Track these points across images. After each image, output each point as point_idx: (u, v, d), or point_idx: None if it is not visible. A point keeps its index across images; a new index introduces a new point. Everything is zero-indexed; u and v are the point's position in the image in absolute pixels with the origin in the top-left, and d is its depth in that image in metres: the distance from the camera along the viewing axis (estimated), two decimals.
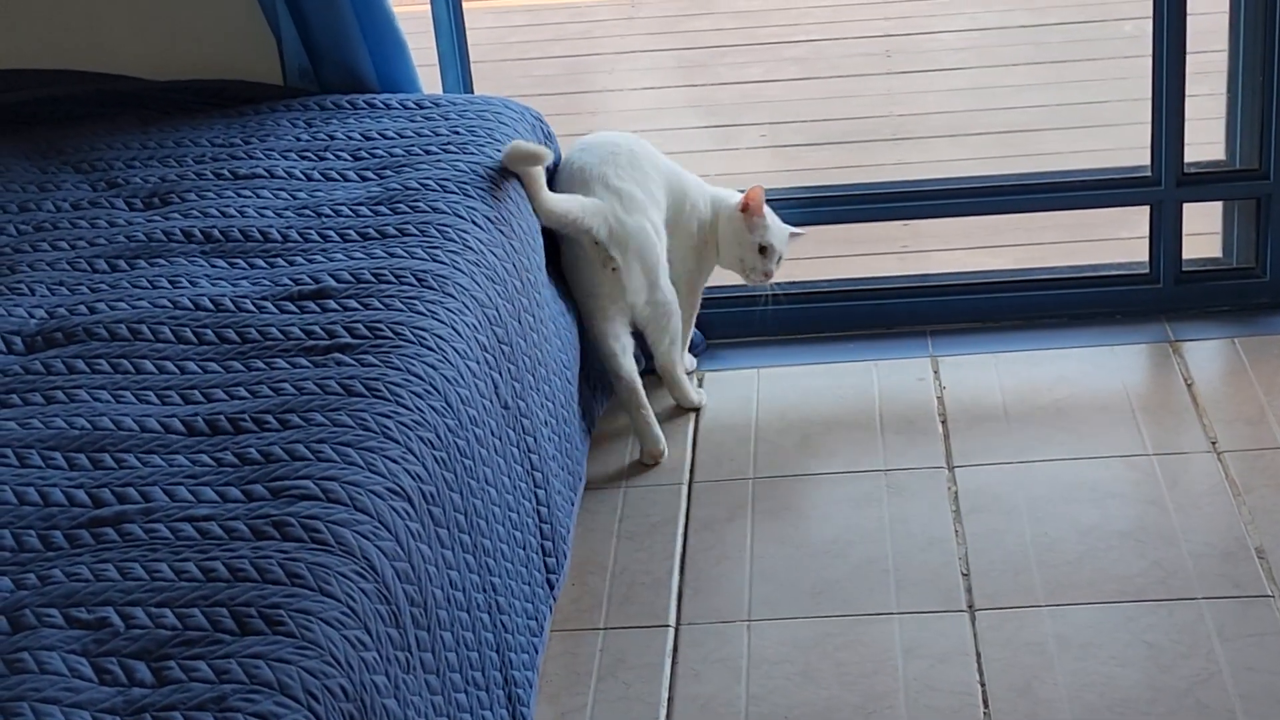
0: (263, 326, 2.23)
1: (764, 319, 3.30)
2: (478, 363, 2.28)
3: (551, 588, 2.45)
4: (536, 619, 2.33)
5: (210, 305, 2.30)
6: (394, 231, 2.49)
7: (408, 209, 2.56)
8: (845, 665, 2.46)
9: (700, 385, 3.25)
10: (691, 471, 2.99)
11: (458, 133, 2.84)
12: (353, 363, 2.13)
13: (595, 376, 3.00)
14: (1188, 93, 3.25)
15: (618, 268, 2.88)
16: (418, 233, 2.48)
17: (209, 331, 2.23)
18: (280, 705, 1.54)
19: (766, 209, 3.11)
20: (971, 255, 3.80)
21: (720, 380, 3.24)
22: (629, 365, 2.96)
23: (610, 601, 2.66)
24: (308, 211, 2.59)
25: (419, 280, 2.34)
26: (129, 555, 1.75)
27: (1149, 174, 3.34)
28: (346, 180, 2.70)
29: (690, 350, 3.25)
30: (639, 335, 3.03)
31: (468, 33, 3.34)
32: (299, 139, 2.86)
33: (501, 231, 2.59)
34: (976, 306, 3.40)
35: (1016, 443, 2.98)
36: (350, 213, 2.57)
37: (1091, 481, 2.84)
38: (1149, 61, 3.26)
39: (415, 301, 2.28)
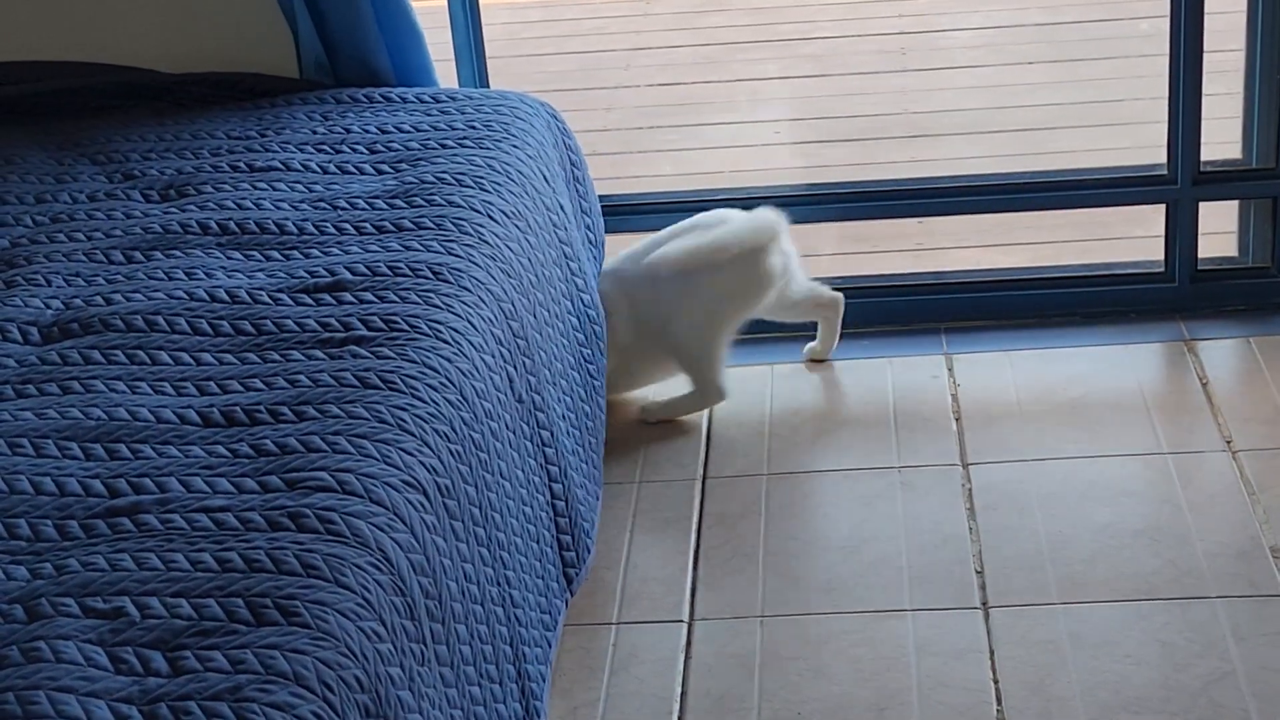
0: (278, 319, 2.23)
1: None
2: (493, 356, 2.28)
3: (569, 581, 2.45)
4: (551, 613, 2.33)
5: (226, 297, 2.30)
6: (410, 225, 2.49)
7: (424, 202, 2.56)
8: (858, 661, 2.46)
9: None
10: (705, 467, 2.99)
11: (474, 127, 2.84)
12: (368, 355, 2.13)
13: None
14: (1204, 91, 3.24)
15: None
16: (433, 226, 2.48)
17: (225, 323, 2.23)
18: (295, 696, 1.54)
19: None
20: (986, 253, 3.80)
21: (734, 377, 3.23)
22: None
23: (624, 596, 2.66)
24: (323, 204, 2.59)
25: (434, 274, 2.34)
26: (145, 545, 1.75)
27: (1165, 172, 3.34)
28: (362, 173, 2.70)
29: None
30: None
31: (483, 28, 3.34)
32: (315, 132, 2.86)
33: (517, 226, 2.59)
34: (991, 304, 3.40)
35: (1031, 440, 2.97)
36: (366, 206, 2.57)
37: (1106, 480, 2.84)
38: (1165, 60, 3.26)
39: (431, 295, 2.28)
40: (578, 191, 3.03)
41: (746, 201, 3.47)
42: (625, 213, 3.45)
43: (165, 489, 1.86)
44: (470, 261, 2.40)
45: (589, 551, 2.55)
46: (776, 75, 5.23)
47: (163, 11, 3.15)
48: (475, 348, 2.23)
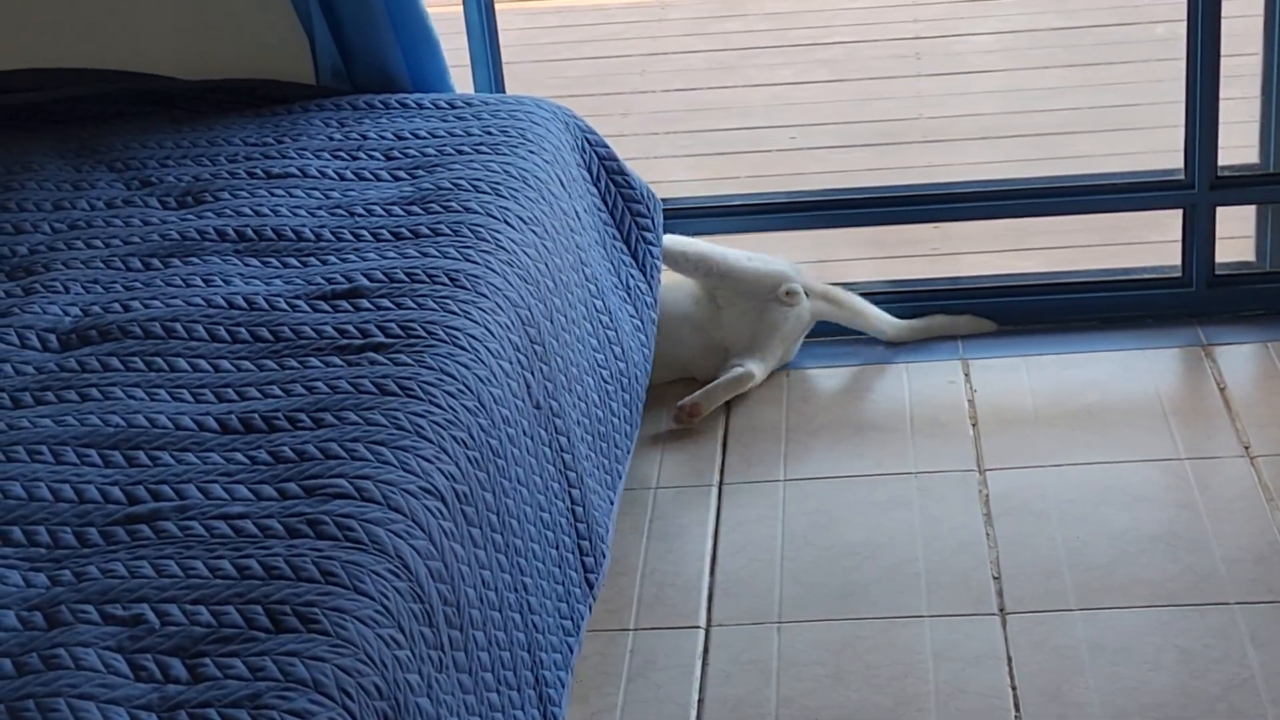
0: (296, 325, 2.24)
1: None
2: (510, 362, 2.28)
3: (591, 587, 2.44)
4: (572, 619, 2.33)
5: (244, 304, 2.30)
6: (427, 231, 2.49)
7: (440, 209, 2.56)
8: (875, 668, 2.46)
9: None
10: (722, 473, 2.99)
11: (490, 133, 2.85)
12: (386, 362, 2.13)
13: None
14: (1221, 96, 3.23)
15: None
16: (450, 232, 2.48)
17: (242, 330, 2.24)
18: (314, 703, 1.55)
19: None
20: (1002, 258, 3.79)
21: None
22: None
23: (640, 602, 2.66)
24: (340, 211, 2.59)
25: (452, 280, 2.34)
26: (164, 552, 1.76)
27: (1182, 177, 3.33)
28: (379, 180, 2.70)
29: None
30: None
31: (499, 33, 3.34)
32: (332, 138, 2.86)
33: (534, 231, 2.59)
34: (1007, 309, 3.39)
35: (1048, 446, 2.97)
36: (383, 212, 2.58)
37: (1123, 485, 2.83)
38: (1181, 64, 3.25)
39: (448, 301, 2.29)
40: (615, 184, 3.02)
41: (759, 206, 3.49)
42: None
43: (184, 496, 1.86)
44: (487, 268, 2.40)
45: (605, 557, 2.55)
46: (792, 80, 5.22)
47: (180, 19, 3.16)
48: (493, 354, 2.23)
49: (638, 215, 3.04)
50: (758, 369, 3.14)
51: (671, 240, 3.22)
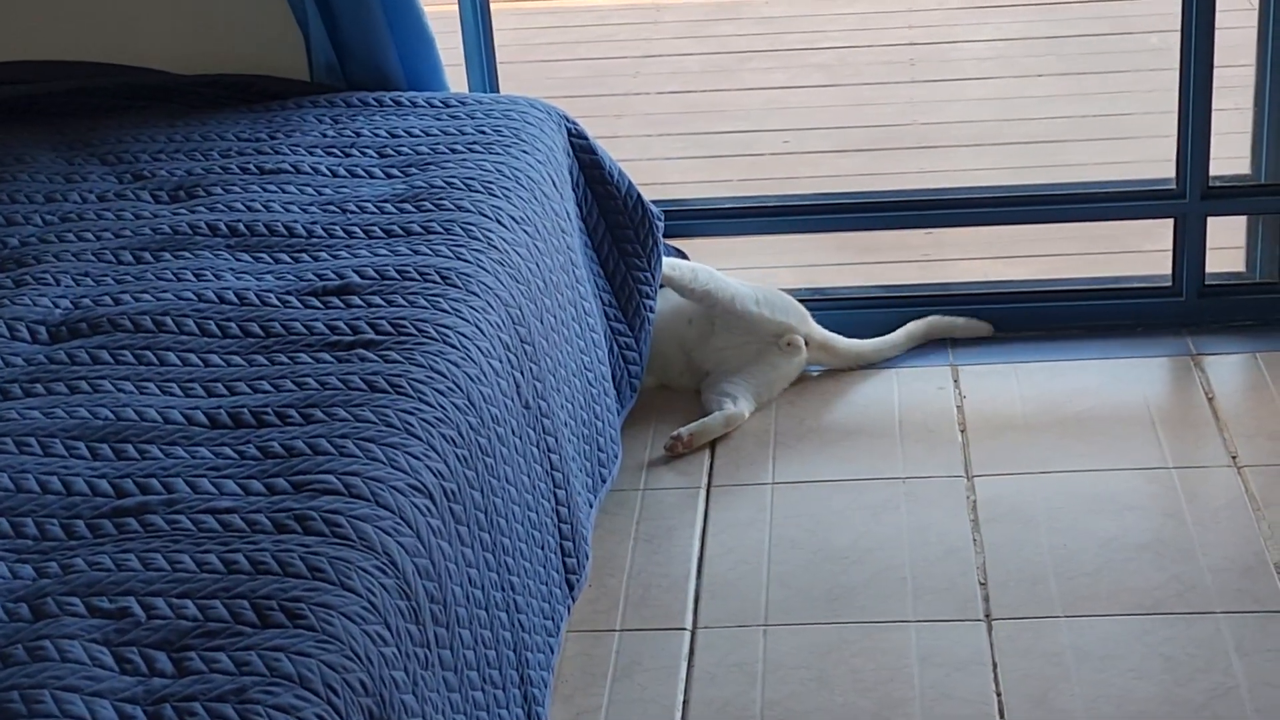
0: (287, 321, 2.24)
1: None
2: (500, 361, 2.28)
3: (571, 588, 2.45)
4: (553, 619, 2.33)
5: (235, 299, 2.30)
6: (419, 229, 2.49)
7: (433, 207, 2.57)
8: (861, 672, 2.46)
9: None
10: (710, 475, 2.99)
11: (484, 132, 2.85)
12: (376, 359, 2.13)
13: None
14: (1214, 106, 3.24)
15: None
16: (442, 231, 2.48)
17: (233, 325, 2.24)
18: (300, 698, 1.55)
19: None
20: (993, 265, 3.80)
21: None
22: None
23: (627, 603, 2.66)
24: (333, 207, 2.59)
25: (443, 278, 2.34)
26: (151, 546, 1.76)
27: (1173, 186, 3.33)
28: (372, 177, 2.70)
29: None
30: None
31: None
32: (325, 135, 2.86)
33: (526, 231, 2.59)
34: (998, 316, 3.39)
35: (1036, 453, 2.97)
36: (375, 209, 2.58)
37: (1110, 493, 2.84)
38: (1174, 74, 3.26)
39: (439, 299, 2.29)
40: (605, 190, 3.01)
41: (752, 210, 3.49)
42: None
43: (172, 490, 1.86)
44: (479, 266, 2.40)
45: (587, 558, 2.55)
46: (786, 85, 5.23)
47: (175, 14, 3.16)
48: (483, 353, 2.24)
49: (618, 228, 3.03)
50: (747, 409, 3.14)
51: (680, 269, 3.19)
